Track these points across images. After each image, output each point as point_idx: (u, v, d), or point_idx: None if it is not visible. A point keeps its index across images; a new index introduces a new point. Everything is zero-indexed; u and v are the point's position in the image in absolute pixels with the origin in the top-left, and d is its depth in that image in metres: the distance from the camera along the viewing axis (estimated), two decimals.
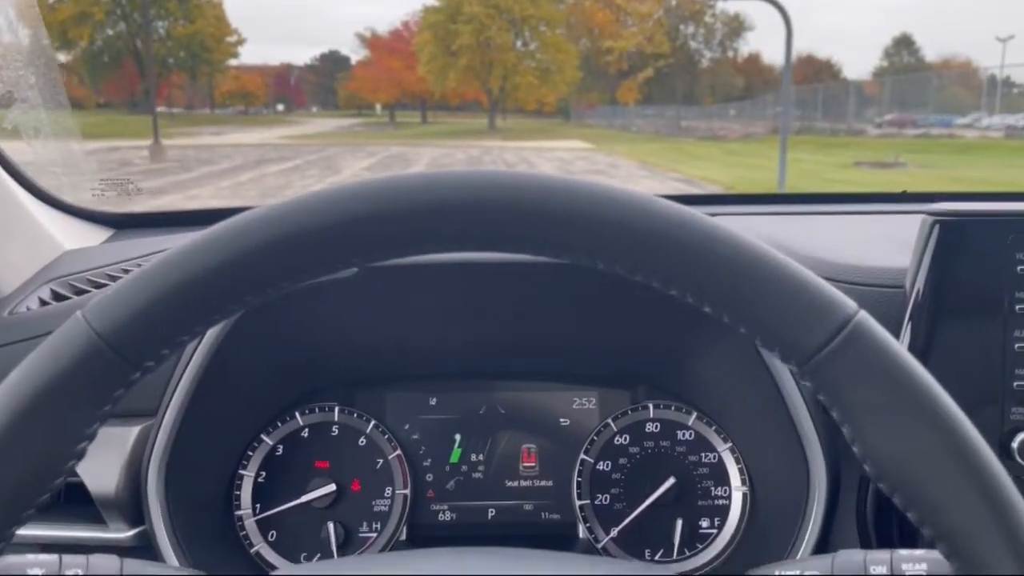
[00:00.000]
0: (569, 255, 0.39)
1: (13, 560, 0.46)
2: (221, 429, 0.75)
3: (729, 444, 0.80)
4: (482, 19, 25.91)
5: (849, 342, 0.37)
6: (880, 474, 0.38)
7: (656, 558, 0.79)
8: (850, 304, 0.38)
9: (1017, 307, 0.63)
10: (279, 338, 0.75)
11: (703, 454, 0.81)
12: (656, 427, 0.82)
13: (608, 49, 31.13)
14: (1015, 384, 0.63)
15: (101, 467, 0.67)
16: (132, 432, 0.69)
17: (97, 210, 0.93)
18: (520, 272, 0.74)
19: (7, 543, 0.38)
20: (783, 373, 0.71)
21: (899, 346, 0.38)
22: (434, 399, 0.83)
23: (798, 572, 0.50)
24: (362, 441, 0.81)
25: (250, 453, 0.79)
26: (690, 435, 0.82)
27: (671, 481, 0.79)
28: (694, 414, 0.81)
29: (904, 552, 0.48)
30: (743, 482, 0.79)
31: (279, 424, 0.80)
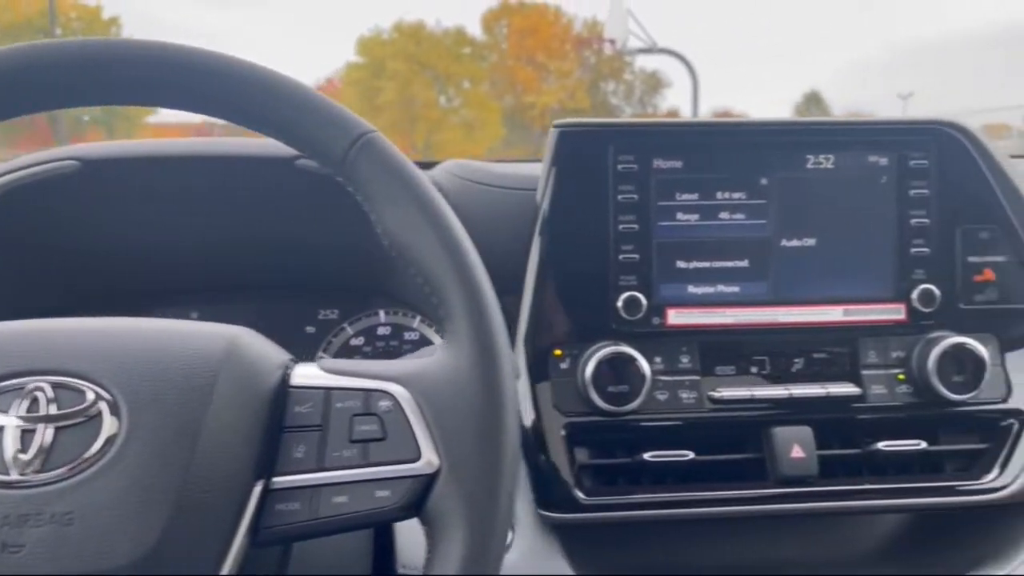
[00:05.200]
0: (151, 99, 0.53)
1: None
2: None
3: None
4: (406, 75, 26.26)
5: (365, 149, 0.53)
6: (393, 247, 0.54)
7: None
8: (367, 125, 0.54)
9: (619, 197, 0.81)
10: (46, 245, 0.88)
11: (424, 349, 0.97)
12: (388, 330, 0.98)
13: (531, 104, 31.90)
14: (620, 257, 0.81)
15: None
16: None
17: None
18: (261, 191, 0.88)
19: None
20: None
21: (406, 159, 0.55)
22: (195, 313, 0.97)
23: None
24: None
25: None
26: (415, 335, 0.97)
27: None
28: (418, 318, 0.97)
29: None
30: None
31: None
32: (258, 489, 0.49)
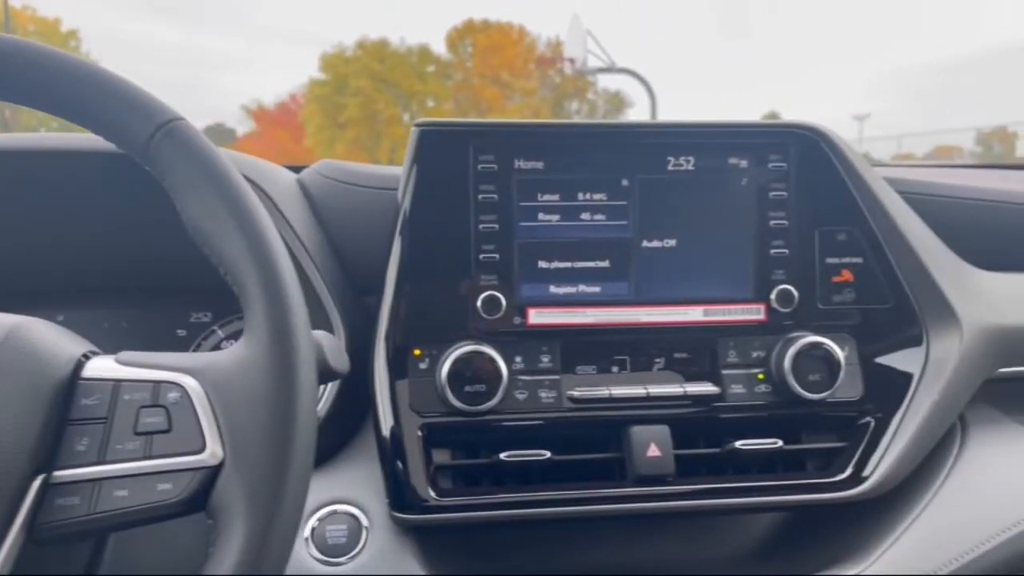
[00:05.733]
0: None
1: None
2: None
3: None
4: (369, 93, 26.22)
5: (169, 136, 0.52)
6: (195, 234, 0.53)
7: None
8: (175, 113, 0.53)
9: (480, 197, 0.81)
10: None
11: None
12: None
13: None
14: (480, 256, 0.81)
15: None
16: None
17: None
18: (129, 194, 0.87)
19: None
20: None
21: (212, 147, 0.54)
22: (61, 316, 0.94)
23: None
24: None
25: None
26: None
27: None
28: None
29: None
30: None
31: None
32: (37, 484, 0.47)
